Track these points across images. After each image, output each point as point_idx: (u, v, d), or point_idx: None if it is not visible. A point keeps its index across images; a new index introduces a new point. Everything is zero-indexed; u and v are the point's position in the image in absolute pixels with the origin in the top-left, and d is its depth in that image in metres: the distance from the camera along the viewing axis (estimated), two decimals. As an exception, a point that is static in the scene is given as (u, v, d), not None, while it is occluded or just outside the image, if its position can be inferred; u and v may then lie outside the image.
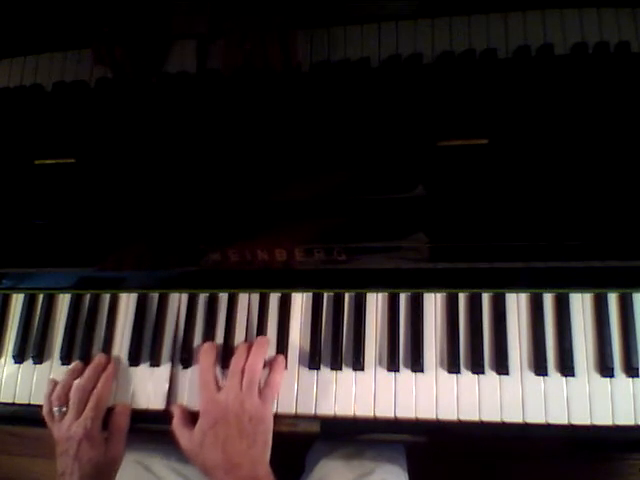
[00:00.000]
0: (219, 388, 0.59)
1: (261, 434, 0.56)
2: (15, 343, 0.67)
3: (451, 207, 0.59)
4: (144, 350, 0.64)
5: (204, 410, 0.58)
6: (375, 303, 0.62)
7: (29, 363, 0.66)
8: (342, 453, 0.67)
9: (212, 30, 0.68)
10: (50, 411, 0.61)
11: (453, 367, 0.58)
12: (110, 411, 0.62)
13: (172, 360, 0.64)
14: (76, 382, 0.61)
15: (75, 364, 0.64)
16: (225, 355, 0.62)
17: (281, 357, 0.61)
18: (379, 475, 0.64)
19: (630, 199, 0.55)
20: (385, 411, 0.58)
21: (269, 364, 0.60)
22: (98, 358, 0.64)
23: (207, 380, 0.59)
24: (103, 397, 0.61)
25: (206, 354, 0.61)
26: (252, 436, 0.55)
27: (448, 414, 0.57)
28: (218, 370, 0.62)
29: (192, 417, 0.59)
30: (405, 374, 0.59)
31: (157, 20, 0.69)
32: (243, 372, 0.58)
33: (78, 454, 0.58)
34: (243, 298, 0.65)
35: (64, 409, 0.60)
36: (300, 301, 0.63)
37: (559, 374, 0.57)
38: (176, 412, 0.60)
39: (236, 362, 0.59)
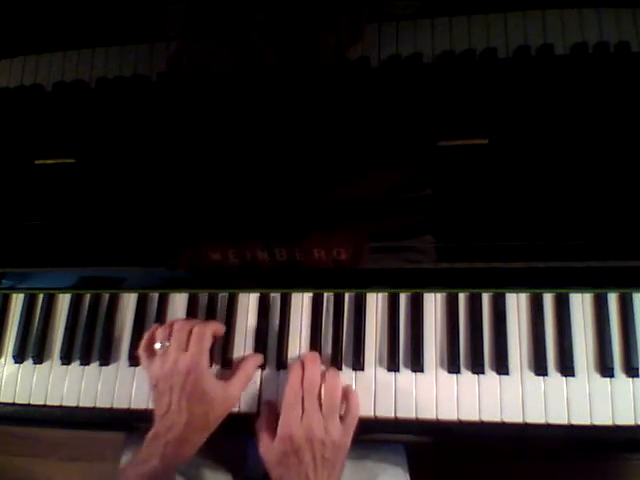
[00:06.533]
0: (303, 409, 0.55)
1: (340, 462, 0.54)
2: (15, 343, 0.67)
3: (451, 207, 0.59)
4: (144, 350, 0.64)
5: (287, 433, 0.53)
6: (375, 303, 0.62)
7: (29, 363, 0.66)
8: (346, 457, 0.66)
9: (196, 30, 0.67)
10: (150, 346, 0.59)
11: (453, 367, 0.58)
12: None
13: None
14: (180, 322, 0.59)
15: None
16: (224, 355, 0.62)
17: (350, 386, 0.59)
18: (383, 479, 0.64)
19: (630, 199, 0.55)
20: (385, 411, 0.58)
21: (343, 392, 0.58)
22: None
23: (293, 402, 0.55)
24: (207, 336, 0.58)
25: (312, 363, 0.57)
26: (332, 463, 0.53)
27: (448, 414, 0.57)
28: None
29: (275, 420, 0.56)
30: (405, 374, 0.59)
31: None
32: (303, 389, 0.56)
33: (185, 387, 0.54)
34: (243, 298, 0.65)
35: (167, 344, 0.57)
36: (300, 301, 0.64)
37: (559, 374, 0.57)
38: (264, 411, 0.58)
39: (309, 383, 0.56)
